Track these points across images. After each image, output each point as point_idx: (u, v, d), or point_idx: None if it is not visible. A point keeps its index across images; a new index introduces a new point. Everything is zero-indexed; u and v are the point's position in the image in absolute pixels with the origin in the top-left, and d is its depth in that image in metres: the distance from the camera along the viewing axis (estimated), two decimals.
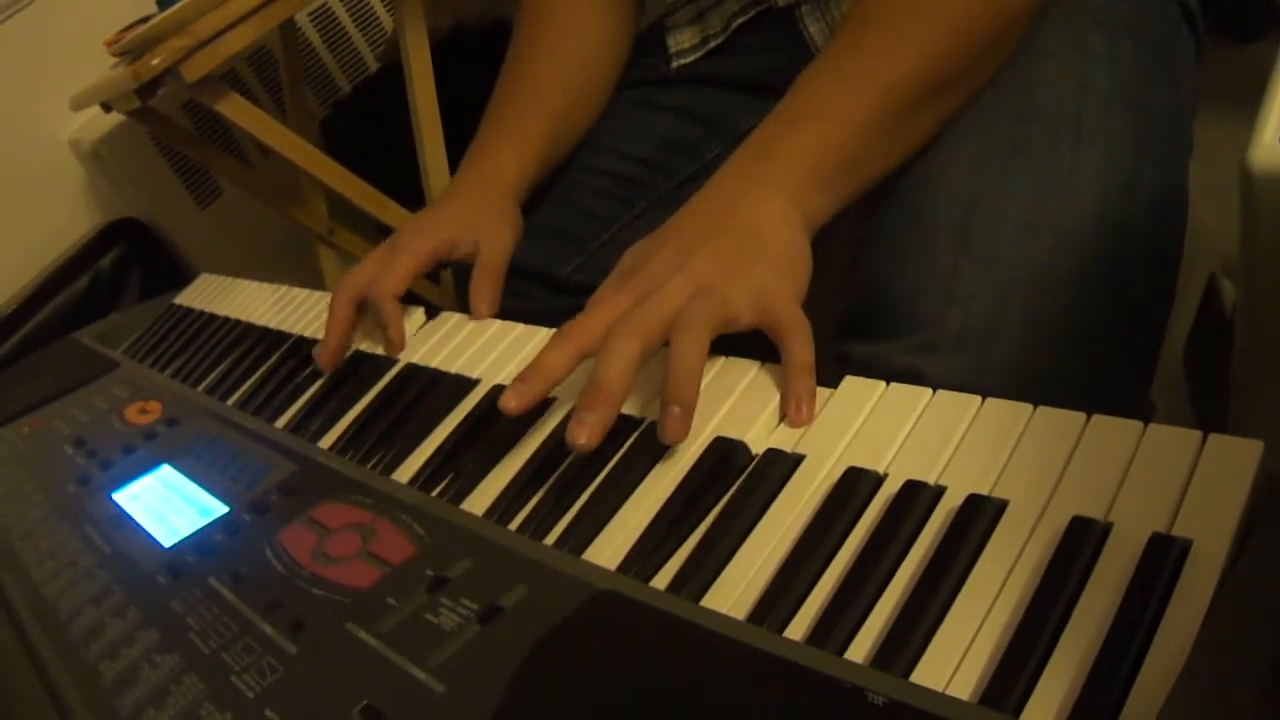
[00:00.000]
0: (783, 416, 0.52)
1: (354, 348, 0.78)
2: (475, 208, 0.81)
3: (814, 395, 0.52)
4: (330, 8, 2.05)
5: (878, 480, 0.45)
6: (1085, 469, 0.41)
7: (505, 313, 0.74)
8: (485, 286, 0.76)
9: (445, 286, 1.47)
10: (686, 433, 0.52)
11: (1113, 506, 0.39)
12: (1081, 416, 0.43)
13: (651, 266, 0.59)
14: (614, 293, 0.59)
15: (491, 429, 0.61)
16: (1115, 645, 0.34)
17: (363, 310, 0.79)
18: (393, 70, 1.57)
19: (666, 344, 0.54)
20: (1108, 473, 0.40)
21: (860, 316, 0.65)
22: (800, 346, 0.54)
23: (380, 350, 0.76)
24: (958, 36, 0.63)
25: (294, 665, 0.46)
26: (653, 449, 0.53)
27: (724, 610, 0.42)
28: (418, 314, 0.79)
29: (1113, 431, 0.42)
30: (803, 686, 0.36)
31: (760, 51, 0.89)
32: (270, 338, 0.87)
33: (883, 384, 0.50)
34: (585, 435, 0.52)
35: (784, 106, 0.65)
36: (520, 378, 0.56)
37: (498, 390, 0.64)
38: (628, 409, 0.56)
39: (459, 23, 1.89)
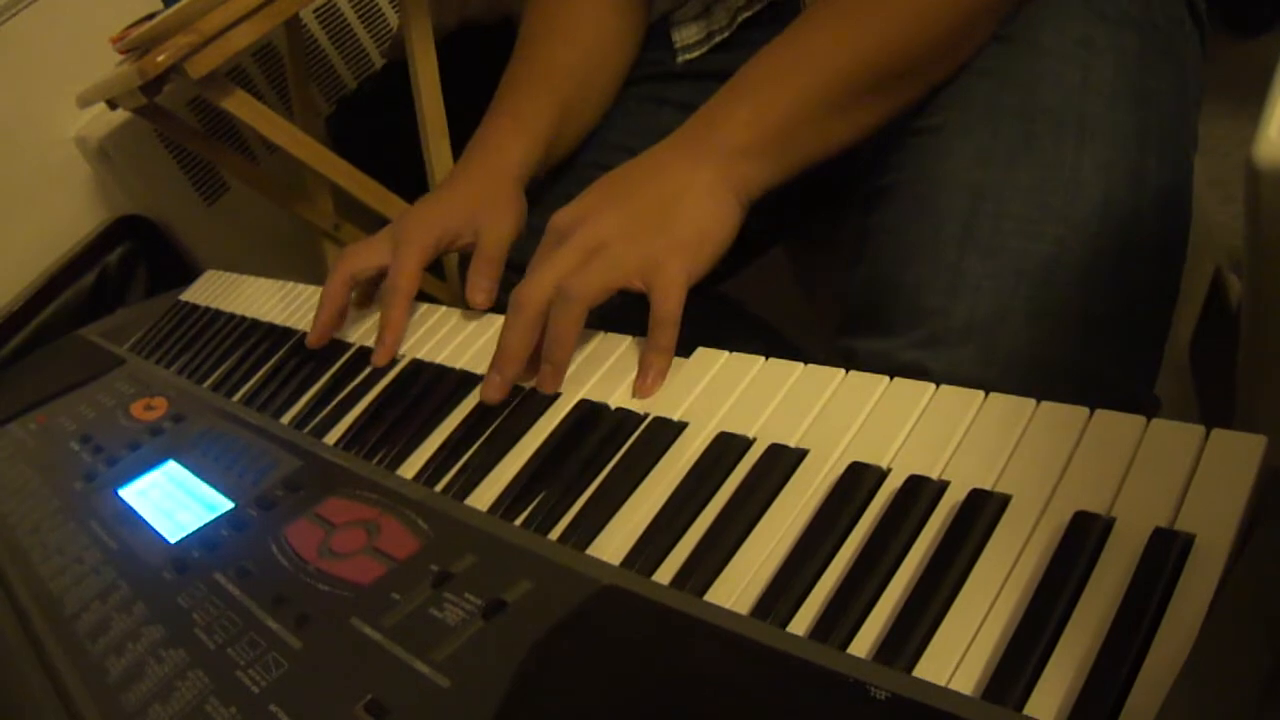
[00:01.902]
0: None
1: (358, 345, 0.78)
2: (477, 195, 0.81)
3: (663, 374, 0.58)
4: (336, 4, 2.05)
5: (881, 475, 0.45)
6: (1088, 464, 0.41)
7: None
8: (482, 275, 0.76)
9: (451, 283, 1.47)
10: (557, 387, 0.61)
11: (1116, 501, 0.39)
12: (1085, 411, 0.43)
13: (561, 216, 0.64)
14: (537, 252, 0.65)
15: (496, 424, 0.61)
16: (1118, 640, 0.34)
17: (356, 292, 0.80)
18: (398, 67, 1.58)
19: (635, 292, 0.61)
20: (1111, 467, 0.40)
21: (865, 311, 0.65)
22: (661, 334, 0.58)
23: None
24: (917, 28, 0.65)
25: (299, 660, 0.46)
26: (656, 445, 0.53)
27: (728, 605, 0.42)
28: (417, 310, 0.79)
29: (1116, 426, 0.42)
30: (806, 681, 0.36)
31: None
32: (276, 334, 0.88)
33: (886, 379, 0.50)
34: (492, 393, 0.62)
35: (736, 77, 0.67)
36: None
37: None
38: (633, 406, 0.57)
39: (465, 19, 1.88)
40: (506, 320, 0.62)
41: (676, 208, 0.62)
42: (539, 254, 0.64)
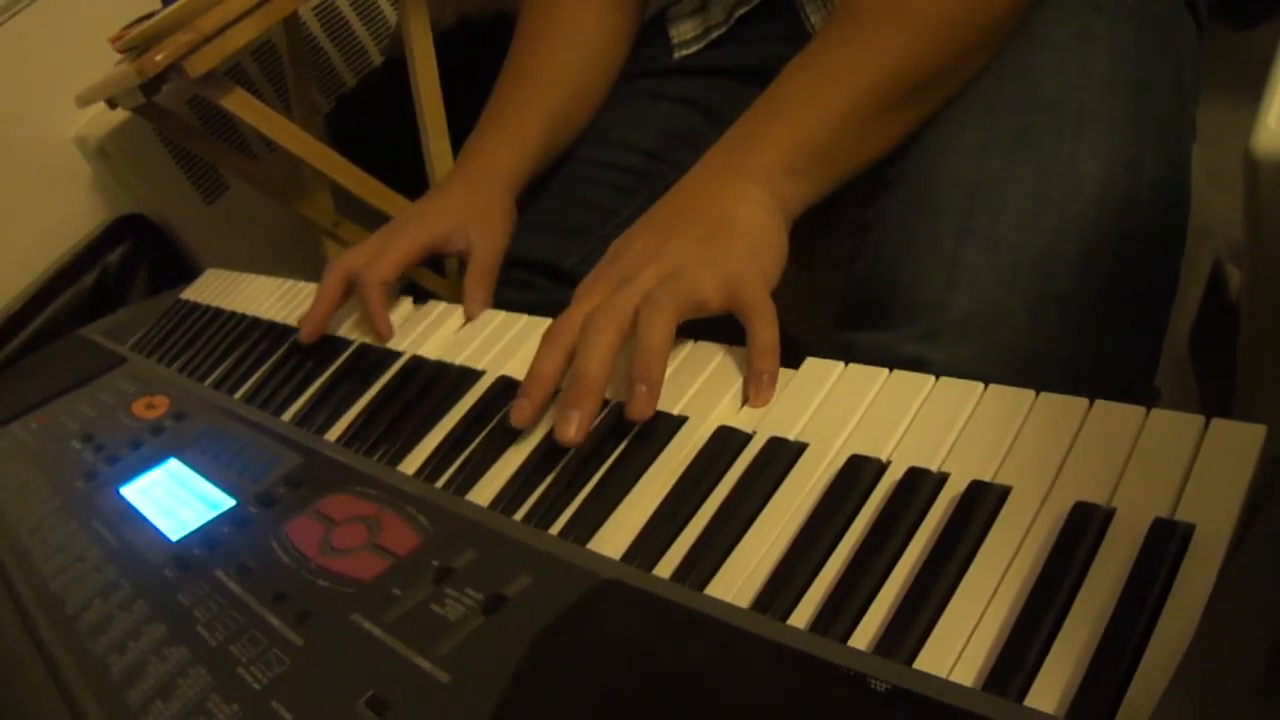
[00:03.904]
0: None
1: (358, 341, 0.78)
2: (469, 202, 0.82)
3: (775, 377, 0.54)
4: (334, 2, 2.05)
5: (881, 467, 0.45)
6: (1088, 454, 0.41)
7: (511, 304, 0.74)
8: (477, 287, 0.77)
9: (451, 280, 1.47)
10: (653, 409, 0.54)
11: (1116, 492, 0.39)
12: (1084, 402, 0.43)
13: (628, 254, 0.61)
14: (593, 284, 0.61)
15: (496, 420, 0.61)
16: (1118, 631, 0.34)
17: (352, 291, 0.80)
18: (397, 63, 1.57)
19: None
20: (1111, 458, 0.40)
21: (864, 305, 0.65)
22: (764, 329, 0.55)
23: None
24: (941, 37, 0.64)
25: (300, 657, 0.46)
26: (656, 439, 0.53)
27: (728, 598, 0.42)
28: (405, 303, 0.79)
29: (1115, 417, 0.42)
30: (807, 674, 0.36)
31: (762, 41, 0.89)
32: (276, 331, 0.88)
33: (885, 371, 0.50)
34: (573, 430, 0.54)
35: (765, 98, 0.66)
36: (522, 391, 0.58)
37: (503, 381, 0.64)
38: None
39: (463, 15, 1.88)
40: (583, 343, 0.56)
41: (734, 225, 0.61)
42: (602, 288, 0.60)
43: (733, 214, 0.61)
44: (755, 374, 0.54)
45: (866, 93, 0.63)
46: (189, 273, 1.18)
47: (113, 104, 1.61)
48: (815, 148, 0.63)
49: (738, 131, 0.66)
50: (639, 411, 0.54)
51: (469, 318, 0.75)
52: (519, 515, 0.53)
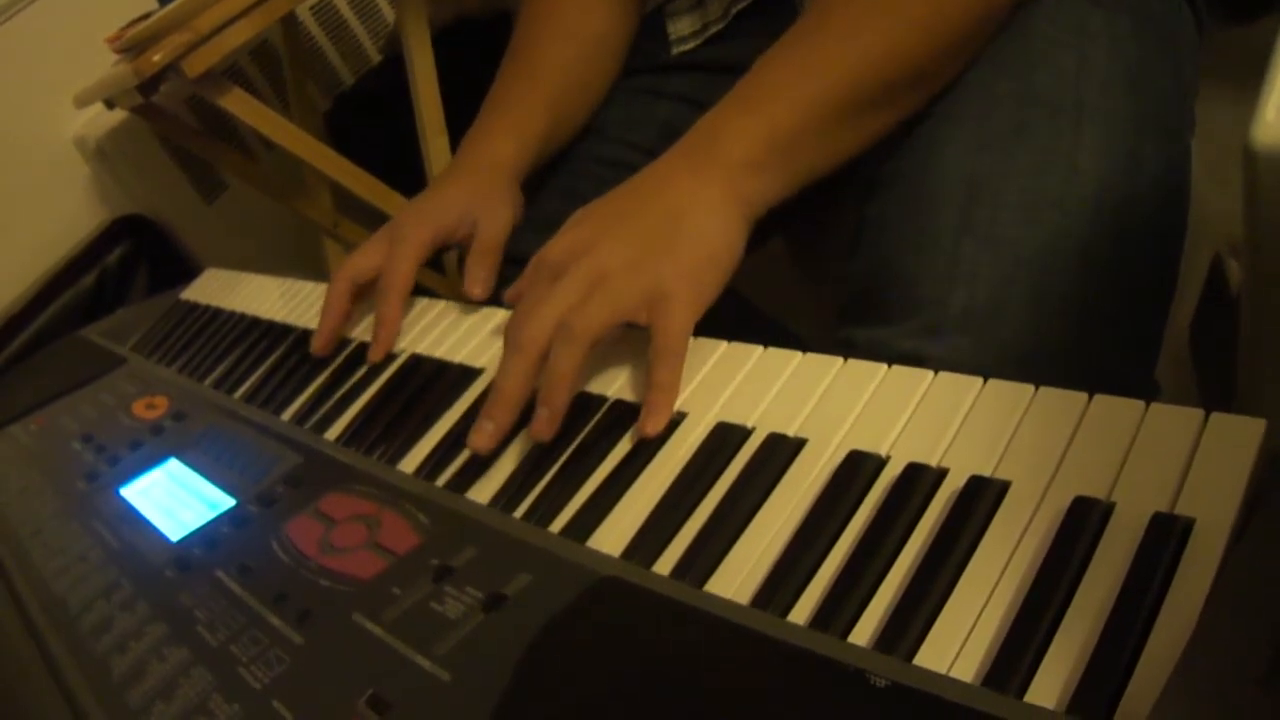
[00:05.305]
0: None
1: (358, 341, 0.78)
2: (473, 191, 0.81)
3: (668, 412, 0.54)
4: (332, 0, 2.05)
5: (880, 463, 0.45)
6: (1088, 449, 0.41)
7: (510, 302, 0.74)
8: (479, 266, 0.76)
9: (450, 277, 1.47)
10: (553, 432, 0.56)
11: (1115, 486, 0.39)
12: (1083, 396, 0.43)
13: (564, 242, 0.61)
14: (531, 275, 0.62)
15: None
16: (1118, 625, 0.34)
17: (360, 297, 0.80)
18: (395, 62, 1.57)
19: (640, 326, 0.57)
20: (1110, 452, 0.40)
21: (863, 301, 0.65)
22: (664, 370, 0.55)
23: None
24: (923, 35, 0.63)
25: (301, 656, 0.47)
26: (656, 436, 0.53)
27: (728, 595, 0.42)
28: (416, 305, 0.79)
29: (1115, 411, 0.42)
30: (806, 670, 0.36)
31: (760, 37, 0.88)
32: (276, 331, 0.88)
33: (884, 367, 0.50)
34: (483, 440, 0.57)
35: (738, 89, 0.65)
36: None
37: None
38: (630, 397, 0.57)
39: (461, 13, 1.88)
40: (503, 361, 0.58)
41: (680, 229, 0.59)
42: (534, 290, 0.61)
43: (681, 216, 0.59)
44: (647, 403, 0.54)
45: (845, 87, 0.62)
46: (188, 273, 1.18)
47: (110, 104, 1.61)
48: (787, 140, 0.62)
49: (708, 120, 0.64)
50: (538, 433, 0.56)
51: (470, 299, 0.74)
52: (518, 513, 0.53)
